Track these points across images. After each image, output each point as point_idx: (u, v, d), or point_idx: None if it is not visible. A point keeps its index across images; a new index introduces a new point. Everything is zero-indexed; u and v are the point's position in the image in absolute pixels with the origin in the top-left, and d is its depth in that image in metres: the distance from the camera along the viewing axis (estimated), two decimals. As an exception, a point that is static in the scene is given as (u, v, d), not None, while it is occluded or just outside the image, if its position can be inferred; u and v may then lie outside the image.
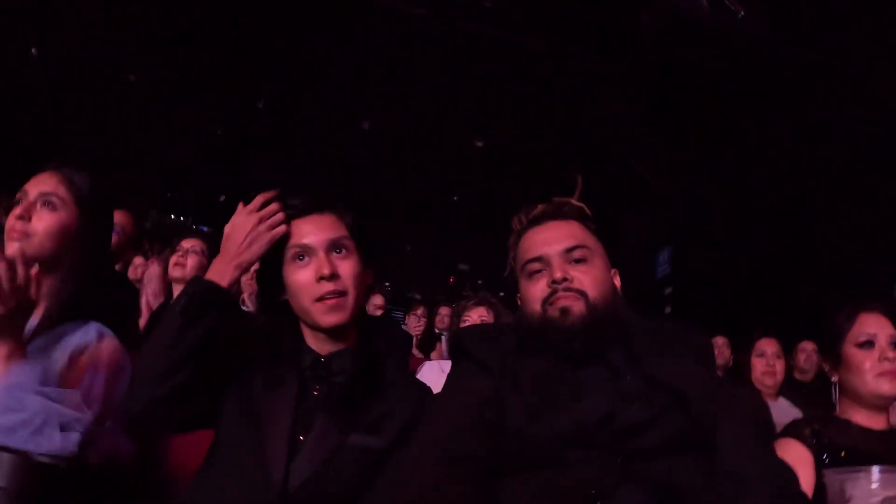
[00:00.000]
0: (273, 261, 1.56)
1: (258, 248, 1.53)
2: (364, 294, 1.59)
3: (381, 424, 1.47)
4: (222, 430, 1.48)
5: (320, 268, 1.50)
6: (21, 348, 1.42)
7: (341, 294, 1.51)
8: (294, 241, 1.54)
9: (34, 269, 1.42)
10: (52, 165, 1.73)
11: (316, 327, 1.55)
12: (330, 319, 1.50)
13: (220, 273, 1.52)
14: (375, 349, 1.61)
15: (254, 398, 1.46)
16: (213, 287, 1.49)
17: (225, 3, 9.99)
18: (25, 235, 1.62)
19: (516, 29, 9.60)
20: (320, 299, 1.50)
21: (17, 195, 1.68)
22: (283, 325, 1.61)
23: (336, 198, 1.62)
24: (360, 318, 1.61)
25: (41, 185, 1.68)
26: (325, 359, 1.55)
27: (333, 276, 1.50)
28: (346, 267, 1.53)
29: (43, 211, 1.65)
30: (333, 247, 1.54)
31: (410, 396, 1.55)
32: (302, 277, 1.52)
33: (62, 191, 1.68)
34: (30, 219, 1.64)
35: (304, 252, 1.53)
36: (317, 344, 1.57)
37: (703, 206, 10.45)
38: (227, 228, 1.58)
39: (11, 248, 1.60)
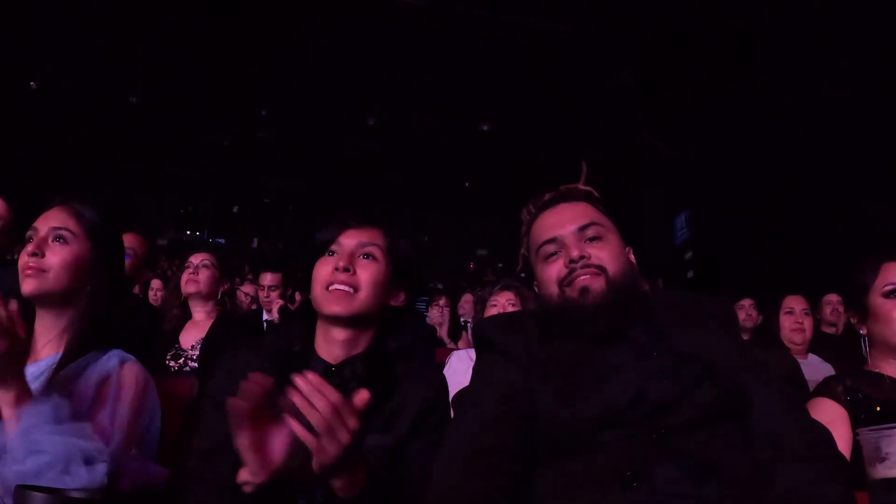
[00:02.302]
0: (311, 258, 1.64)
1: None
2: (382, 304, 1.62)
3: (395, 420, 1.49)
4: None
5: (338, 260, 1.57)
6: (26, 390, 1.42)
7: (351, 287, 1.56)
8: (332, 243, 1.62)
9: (13, 305, 1.41)
10: (60, 200, 1.74)
11: (324, 320, 1.59)
12: (332, 307, 1.54)
13: None
14: (388, 351, 1.63)
15: None
16: None
17: (214, 15, 10.01)
18: (40, 271, 1.63)
19: (510, 9, 9.53)
20: (330, 287, 1.55)
21: (28, 233, 1.70)
22: (296, 332, 1.63)
23: (388, 217, 1.69)
24: (374, 326, 1.64)
25: (51, 220, 1.69)
26: (336, 367, 1.57)
27: (348, 270, 1.56)
28: (368, 271, 1.59)
29: (55, 246, 1.66)
30: (361, 251, 1.61)
31: (419, 386, 1.56)
32: (323, 267, 1.59)
33: (72, 224, 1.69)
34: (43, 254, 1.64)
35: (335, 249, 1.61)
36: (328, 351, 1.59)
37: (715, 167, 10.36)
38: None
39: (27, 286, 1.62)
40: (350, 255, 1.59)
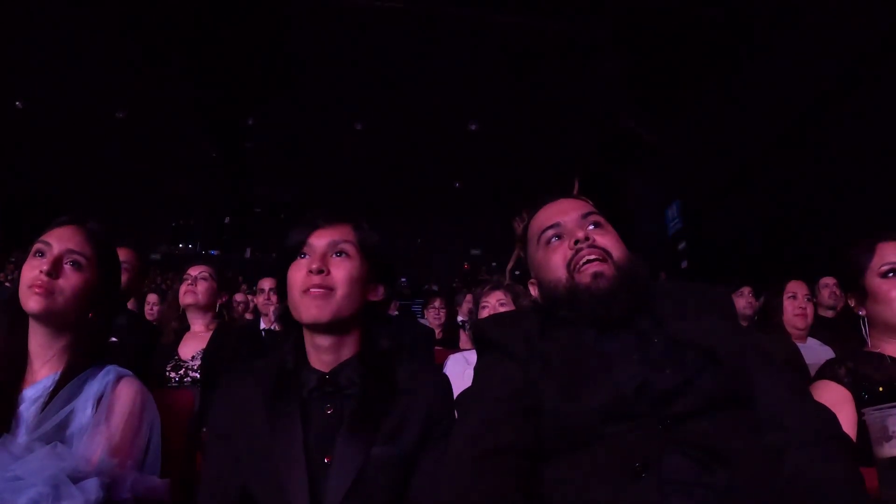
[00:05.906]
0: (284, 263, 1.61)
1: None
2: (361, 302, 1.59)
3: (401, 430, 1.47)
4: (242, 472, 1.46)
5: (311, 262, 1.54)
6: (6, 424, 1.41)
7: (327, 289, 1.51)
8: (303, 245, 1.58)
9: None
10: (75, 219, 1.71)
11: (306, 327, 1.56)
12: (311, 312, 1.50)
13: None
14: (381, 353, 1.60)
15: (260, 432, 1.45)
16: None
17: (197, 26, 9.98)
18: (51, 293, 1.59)
19: (494, 7, 9.53)
20: (306, 291, 1.52)
21: (38, 245, 1.65)
22: (288, 343, 1.61)
23: (355, 213, 1.66)
24: (360, 327, 1.61)
25: (67, 241, 1.65)
26: (330, 374, 1.54)
27: (322, 272, 1.52)
28: (342, 269, 1.55)
29: (70, 271, 1.63)
30: (333, 249, 1.57)
31: (426, 394, 1.53)
32: (297, 272, 1.56)
33: (89, 250, 1.66)
34: (57, 276, 1.61)
35: (306, 251, 1.57)
36: (319, 359, 1.56)
37: (705, 155, 10.38)
38: None
39: (34, 303, 1.58)
40: (322, 255, 1.55)
